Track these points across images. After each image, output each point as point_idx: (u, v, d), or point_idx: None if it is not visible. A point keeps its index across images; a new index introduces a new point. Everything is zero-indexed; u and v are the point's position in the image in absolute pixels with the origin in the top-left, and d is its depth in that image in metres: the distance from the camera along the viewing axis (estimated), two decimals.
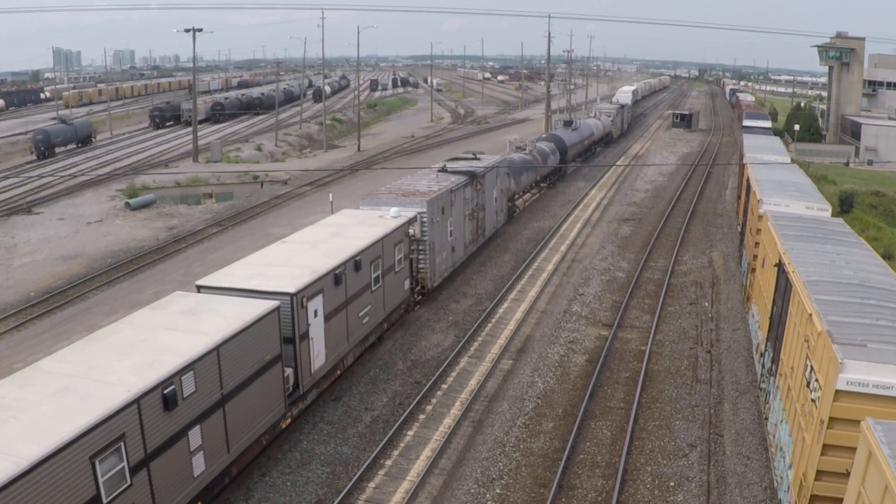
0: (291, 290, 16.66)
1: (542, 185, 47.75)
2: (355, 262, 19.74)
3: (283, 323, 16.18)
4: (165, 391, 12.36)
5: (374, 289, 21.23)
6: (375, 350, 22.58)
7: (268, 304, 15.52)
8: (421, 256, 25.42)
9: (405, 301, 24.24)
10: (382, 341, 22.96)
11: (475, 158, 35.27)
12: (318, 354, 18.05)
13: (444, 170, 30.93)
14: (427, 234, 25.37)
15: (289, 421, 17.10)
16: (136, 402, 11.77)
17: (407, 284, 24.11)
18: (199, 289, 17.02)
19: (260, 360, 15.16)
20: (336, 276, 18.64)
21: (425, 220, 25.20)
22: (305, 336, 17.31)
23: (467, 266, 31.16)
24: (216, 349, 13.68)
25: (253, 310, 15.19)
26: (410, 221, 24.11)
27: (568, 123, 58.18)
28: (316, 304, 17.70)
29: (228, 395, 14.19)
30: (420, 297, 26.07)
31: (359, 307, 20.36)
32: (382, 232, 21.81)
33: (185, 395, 12.86)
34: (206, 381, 13.49)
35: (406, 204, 25.11)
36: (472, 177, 30.75)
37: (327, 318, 18.38)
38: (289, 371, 16.76)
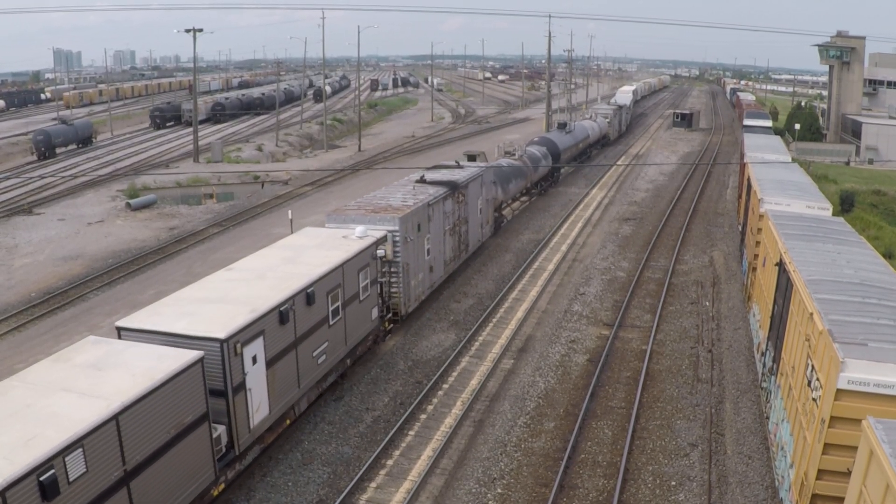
0: (221, 335, 14.16)
1: (534, 191, 46.00)
2: (307, 295, 17.14)
3: (213, 374, 13.88)
4: (42, 477, 10.14)
5: (332, 323, 18.63)
6: (376, 352, 22.61)
7: (189, 356, 13.13)
8: (393, 280, 23.02)
9: (373, 332, 21.68)
10: (346, 378, 20.62)
11: (458, 167, 33.28)
12: (258, 407, 15.55)
13: (422, 180, 28.60)
14: (400, 255, 22.98)
15: (222, 487, 14.76)
16: (2, 494, 9.67)
17: (375, 313, 21.54)
18: (120, 331, 14.73)
19: (178, 424, 12.79)
20: (281, 314, 16.08)
21: (398, 239, 22.85)
22: (241, 387, 14.80)
23: (468, 267, 31.16)
24: (114, 418, 11.41)
25: (169, 364, 12.84)
26: (379, 242, 21.65)
27: (562, 126, 55.61)
28: (255, 349, 15.19)
29: (135, 470, 11.89)
30: (392, 325, 23.63)
31: (312, 346, 17.76)
32: (343, 257, 19.29)
33: (70, 479, 10.61)
34: (102, 459, 11.20)
35: (376, 221, 22.81)
36: (454, 188, 28.38)
37: (270, 364, 15.84)
38: (220, 430, 14.37)
